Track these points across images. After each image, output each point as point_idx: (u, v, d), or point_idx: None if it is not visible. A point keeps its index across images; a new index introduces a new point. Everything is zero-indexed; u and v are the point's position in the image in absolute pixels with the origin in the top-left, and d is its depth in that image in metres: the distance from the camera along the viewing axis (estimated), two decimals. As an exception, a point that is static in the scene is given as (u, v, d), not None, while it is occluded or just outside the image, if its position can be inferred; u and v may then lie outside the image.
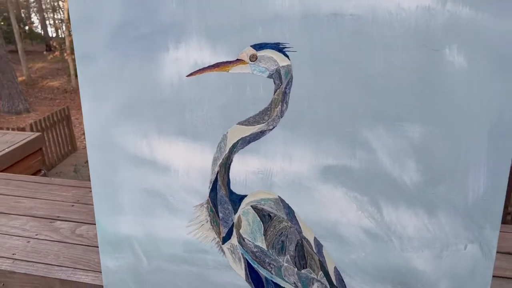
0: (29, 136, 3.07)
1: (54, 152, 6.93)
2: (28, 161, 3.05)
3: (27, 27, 18.84)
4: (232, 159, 0.90)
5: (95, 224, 1.27)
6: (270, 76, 0.83)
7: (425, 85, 0.77)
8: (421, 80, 0.77)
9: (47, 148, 6.73)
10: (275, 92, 0.84)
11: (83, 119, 0.95)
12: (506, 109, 0.75)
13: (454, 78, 0.75)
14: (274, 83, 0.83)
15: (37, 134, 3.13)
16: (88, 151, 0.98)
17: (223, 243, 0.97)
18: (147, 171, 0.96)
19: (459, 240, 0.83)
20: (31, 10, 20.64)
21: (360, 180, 0.85)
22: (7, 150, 2.88)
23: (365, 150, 0.83)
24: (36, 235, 1.36)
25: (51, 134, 6.87)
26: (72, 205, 1.53)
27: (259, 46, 0.82)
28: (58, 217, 1.46)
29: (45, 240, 1.34)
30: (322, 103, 0.82)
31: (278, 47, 0.81)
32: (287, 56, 0.81)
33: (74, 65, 12.77)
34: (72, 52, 12.58)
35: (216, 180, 0.92)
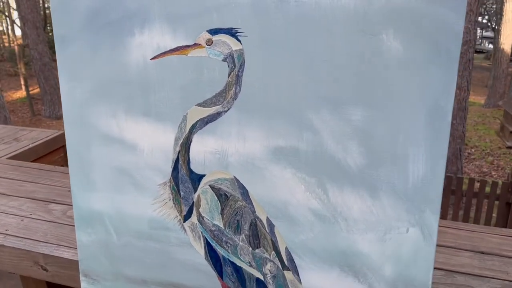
0: (52, 133, 3.24)
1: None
2: (50, 157, 3.22)
3: (72, 38, 19.75)
4: (191, 139, 0.95)
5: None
6: (224, 60, 0.88)
7: (365, 70, 0.80)
8: (362, 64, 0.80)
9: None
10: (229, 75, 0.88)
11: (61, 98, 1.03)
12: (441, 94, 0.77)
13: (391, 63, 0.78)
14: (228, 66, 0.88)
15: (60, 132, 3.30)
16: (65, 129, 1.06)
17: (184, 221, 1.02)
18: (116, 149, 1.02)
19: (401, 223, 0.85)
20: (77, 22, 21.64)
21: (308, 161, 0.88)
22: (31, 145, 3.05)
23: (311, 132, 0.86)
24: (31, 214, 1.46)
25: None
26: (69, 190, 1.62)
27: (214, 31, 0.87)
28: (53, 200, 1.55)
29: (38, 219, 1.43)
30: (272, 86, 0.86)
31: (231, 32, 0.86)
32: (239, 41, 0.86)
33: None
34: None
35: (177, 160, 0.97)
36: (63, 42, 0.99)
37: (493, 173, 7.25)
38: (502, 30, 11.77)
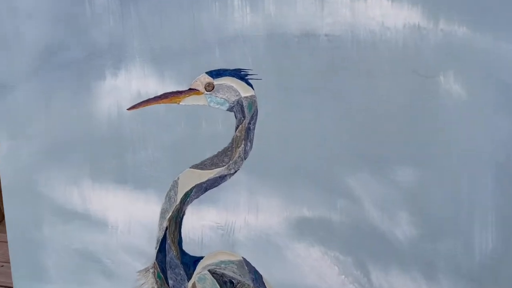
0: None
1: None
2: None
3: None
4: (184, 212, 0.82)
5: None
6: (230, 109, 0.77)
7: (417, 120, 0.71)
8: (412, 113, 0.70)
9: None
10: (236, 129, 0.77)
11: (-2, 161, 0.85)
12: (514, 147, 0.68)
13: (451, 111, 0.69)
14: (236, 118, 0.77)
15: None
16: (4, 202, 0.91)
17: (174, 318, 0.82)
18: (78, 226, 0.87)
19: (465, 310, 0.72)
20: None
21: (342, 236, 0.77)
22: None
23: (347, 199, 0.76)
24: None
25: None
26: (2, 266, 1.38)
27: (216, 73, 0.76)
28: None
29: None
30: (293, 141, 0.76)
31: (240, 74, 0.75)
32: (251, 85, 0.75)
33: None
34: None
35: (164, 239, 0.84)
36: (1, 89, 0.86)
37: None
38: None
